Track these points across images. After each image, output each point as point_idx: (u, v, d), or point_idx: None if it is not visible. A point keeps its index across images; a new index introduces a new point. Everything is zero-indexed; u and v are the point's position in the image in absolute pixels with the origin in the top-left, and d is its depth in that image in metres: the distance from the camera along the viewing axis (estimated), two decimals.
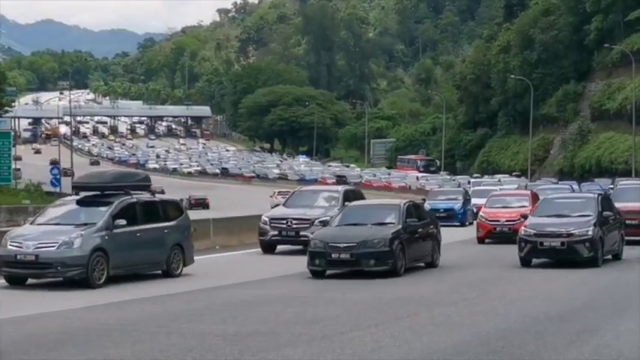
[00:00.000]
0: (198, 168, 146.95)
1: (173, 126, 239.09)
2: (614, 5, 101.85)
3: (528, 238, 23.17)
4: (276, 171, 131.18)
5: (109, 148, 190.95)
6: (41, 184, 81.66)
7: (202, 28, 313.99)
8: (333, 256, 20.74)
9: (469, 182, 76.68)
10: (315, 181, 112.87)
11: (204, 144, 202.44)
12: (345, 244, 20.73)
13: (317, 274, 21.14)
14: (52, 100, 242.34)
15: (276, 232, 27.87)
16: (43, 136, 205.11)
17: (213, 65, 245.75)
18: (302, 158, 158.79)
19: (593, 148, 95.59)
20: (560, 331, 13.31)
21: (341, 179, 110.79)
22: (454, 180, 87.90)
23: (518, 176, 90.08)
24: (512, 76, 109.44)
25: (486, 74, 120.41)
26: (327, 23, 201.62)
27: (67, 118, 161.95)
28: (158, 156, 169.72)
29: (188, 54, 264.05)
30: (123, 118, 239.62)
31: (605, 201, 25.39)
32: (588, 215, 23.60)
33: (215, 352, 11.86)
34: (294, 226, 27.62)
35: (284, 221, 27.84)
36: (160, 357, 11.71)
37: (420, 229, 22.70)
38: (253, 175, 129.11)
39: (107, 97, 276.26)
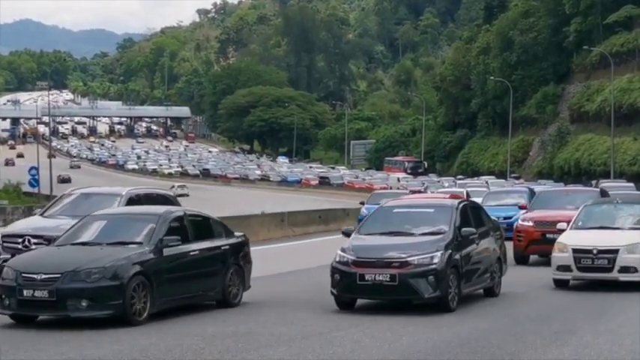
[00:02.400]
0: (179, 169, 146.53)
1: (153, 127, 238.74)
2: (593, 8, 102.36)
3: (344, 268, 15.39)
4: (258, 172, 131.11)
5: (89, 149, 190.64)
6: (20, 184, 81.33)
7: (182, 29, 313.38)
8: (25, 293, 13.80)
9: (455, 183, 76.27)
10: (297, 182, 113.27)
11: (187, 146, 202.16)
12: (44, 276, 13.81)
13: (19, 320, 14.27)
14: (29, 101, 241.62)
15: (9, 256, 17.87)
16: (21, 136, 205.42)
17: (193, 66, 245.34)
18: (281, 159, 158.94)
19: (572, 149, 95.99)
20: (540, 332, 13.34)
21: (324, 180, 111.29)
22: (439, 182, 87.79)
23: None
24: (492, 77, 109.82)
25: (466, 76, 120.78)
26: (307, 24, 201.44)
27: (45, 119, 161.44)
28: (139, 157, 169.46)
29: (167, 54, 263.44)
30: (102, 119, 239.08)
31: (474, 211, 17.47)
32: (438, 233, 15.88)
33: (194, 352, 11.83)
34: (34, 246, 17.96)
35: (20, 240, 18.65)
36: (139, 357, 11.65)
37: (194, 253, 15.54)
38: (237, 176, 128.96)
39: (86, 98, 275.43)
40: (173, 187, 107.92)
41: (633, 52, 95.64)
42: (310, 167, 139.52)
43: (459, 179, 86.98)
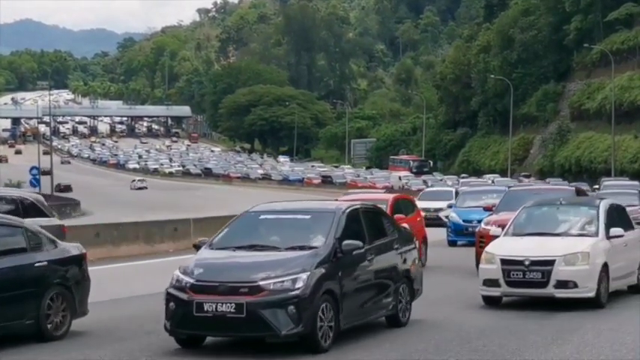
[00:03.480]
0: (180, 168, 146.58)
1: (154, 126, 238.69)
2: (593, 5, 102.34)
3: (180, 295, 11.66)
4: (260, 171, 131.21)
5: (90, 148, 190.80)
6: (21, 183, 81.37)
7: (182, 28, 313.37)
8: None
9: (458, 182, 75.77)
10: (299, 182, 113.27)
11: (189, 145, 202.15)
12: None
13: None
14: (30, 101, 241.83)
15: None
16: (22, 136, 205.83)
17: (194, 65, 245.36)
18: (282, 158, 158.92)
19: (572, 147, 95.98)
20: (541, 330, 13.32)
21: (326, 179, 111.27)
22: (442, 180, 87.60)
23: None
24: (492, 75, 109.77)
25: (466, 74, 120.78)
26: (307, 23, 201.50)
27: (46, 118, 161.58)
28: (140, 156, 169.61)
29: (168, 54, 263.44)
30: (103, 119, 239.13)
31: (371, 218, 13.63)
32: (310, 247, 12.10)
33: (195, 352, 11.81)
34: None
35: None
36: (140, 356, 11.64)
37: (11, 271, 12.18)
38: (238, 175, 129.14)
39: (87, 97, 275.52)
40: (134, 180, 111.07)
41: (634, 50, 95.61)
42: (312, 166, 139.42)
43: (463, 177, 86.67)
